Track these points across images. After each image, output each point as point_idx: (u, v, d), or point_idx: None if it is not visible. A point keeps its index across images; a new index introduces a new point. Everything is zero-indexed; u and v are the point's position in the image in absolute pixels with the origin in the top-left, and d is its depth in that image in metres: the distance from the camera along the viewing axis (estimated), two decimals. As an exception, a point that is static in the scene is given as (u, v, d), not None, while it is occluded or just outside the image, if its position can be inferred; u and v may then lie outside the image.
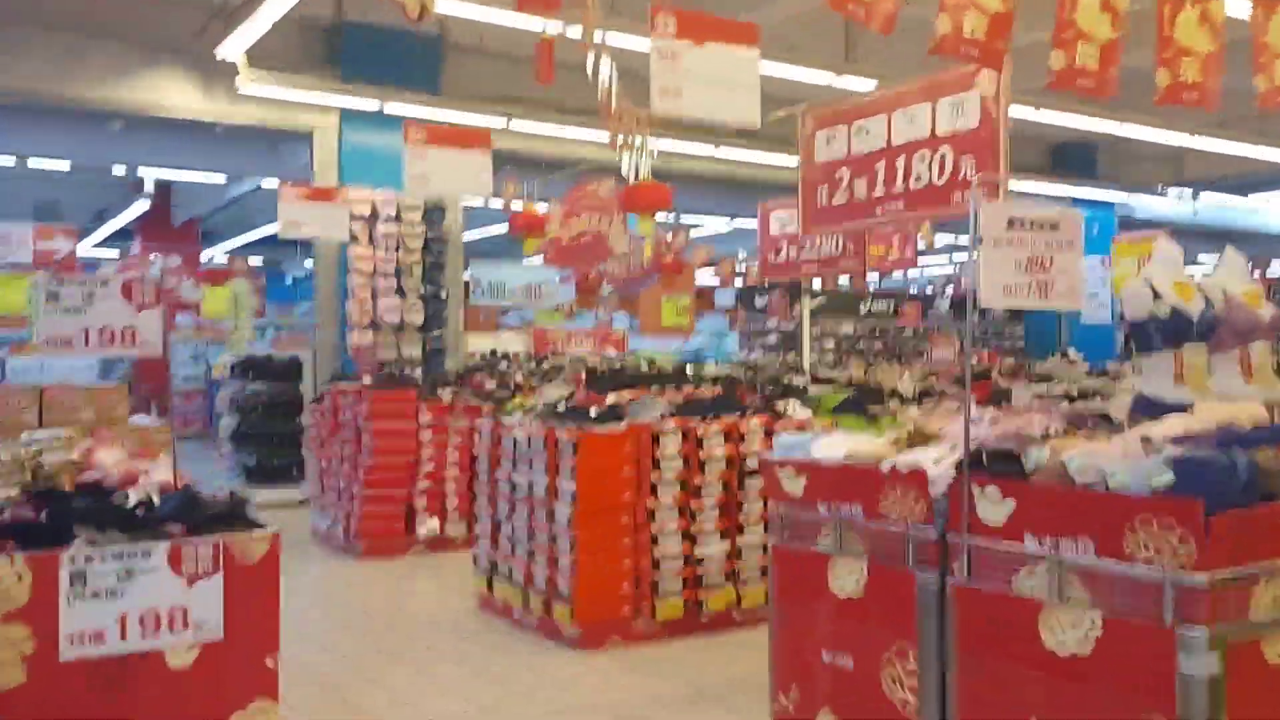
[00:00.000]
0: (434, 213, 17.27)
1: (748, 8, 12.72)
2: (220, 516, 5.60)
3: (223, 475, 17.92)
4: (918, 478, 5.62)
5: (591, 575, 8.87)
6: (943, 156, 8.15)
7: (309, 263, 18.34)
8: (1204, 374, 7.33)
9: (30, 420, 9.34)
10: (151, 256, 28.53)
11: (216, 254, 35.19)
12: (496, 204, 17.64)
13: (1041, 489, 5.11)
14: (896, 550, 5.73)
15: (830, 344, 27.09)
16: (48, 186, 26.97)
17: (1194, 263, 28.11)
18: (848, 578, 5.98)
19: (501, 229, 24.09)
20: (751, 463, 9.37)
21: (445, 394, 13.47)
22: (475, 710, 7.71)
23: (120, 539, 5.16)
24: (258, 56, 15.08)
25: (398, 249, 16.84)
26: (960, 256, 36.34)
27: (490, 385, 14.58)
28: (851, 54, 16.29)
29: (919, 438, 6.20)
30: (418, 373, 15.12)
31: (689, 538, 9.22)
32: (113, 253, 33.54)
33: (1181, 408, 6.03)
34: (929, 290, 34.64)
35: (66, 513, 5.36)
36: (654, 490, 9.09)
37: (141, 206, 27.08)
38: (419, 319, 17.05)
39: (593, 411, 9.34)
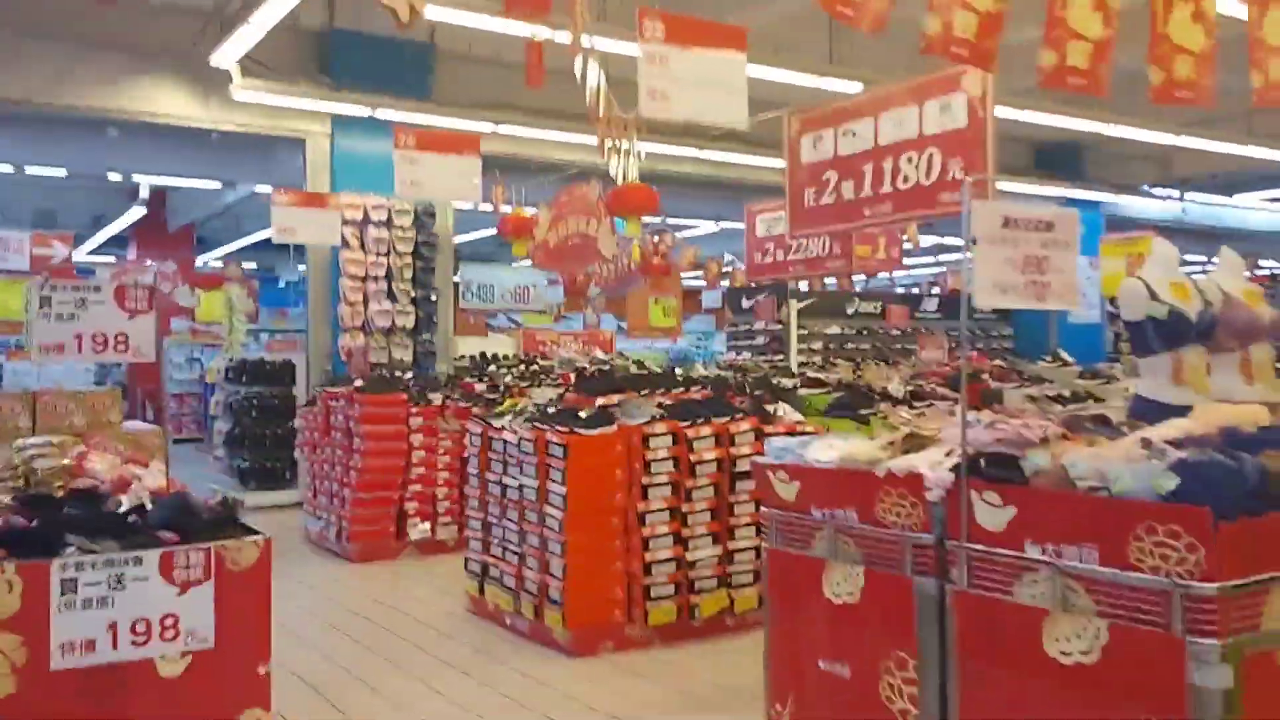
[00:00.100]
0: (424, 217, 17.25)
1: (731, 9, 12.70)
2: (212, 522, 5.55)
3: (217, 478, 17.91)
4: (914, 482, 5.53)
5: (582, 580, 8.83)
6: (930, 157, 8.11)
7: (302, 267, 18.29)
8: (1204, 375, 7.31)
9: (23, 426, 9.28)
10: (146, 262, 28.50)
11: (211, 259, 35.14)
12: (486, 208, 17.58)
13: (1042, 494, 5.02)
14: (893, 556, 5.65)
15: (817, 345, 27.02)
16: (45, 193, 27.01)
17: (1182, 262, 27.97)
18: (844, 584, 5.90)
19: (491, 232, 24.05)
20: (742, 465, 9.28)
21: (436, 397, 13.41)
22: (467, 717, 7.65)
23: (111, 547, 5.11)
24: (251, 64, 15.08)
25: (388, 253, 16.83)
26: (947, 257, 36.33)
27: (480, 388, 14.54)
28: (836, 55, 16.23)
29: (914, 441, 6.13)
30: (409, 376, 15.04)
31: (680, 541, 9.15)
32: (109, 259, 33.47)
33: (1181, 410, 5.97)
34: (915, 291, 34.60)
35: (58, 520, 5.31)
36: (644, 493, 9.02)
37: (137, 213, 27.01)
38: (409, 322, 17.04)
39: (583, 414, 9.28)
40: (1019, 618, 4.97)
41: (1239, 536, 4.35)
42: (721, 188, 23.01)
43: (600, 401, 9.61)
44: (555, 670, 8.57)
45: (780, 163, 9.62)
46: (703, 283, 30.81)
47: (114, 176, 23.07)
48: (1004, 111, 14.63)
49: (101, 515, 5.49)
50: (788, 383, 13.58)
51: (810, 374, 16.03)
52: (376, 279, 16.77)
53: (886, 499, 5.66)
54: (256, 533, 5.59)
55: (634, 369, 16.68)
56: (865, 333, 28.36)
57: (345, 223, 16.39)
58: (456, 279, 19.79)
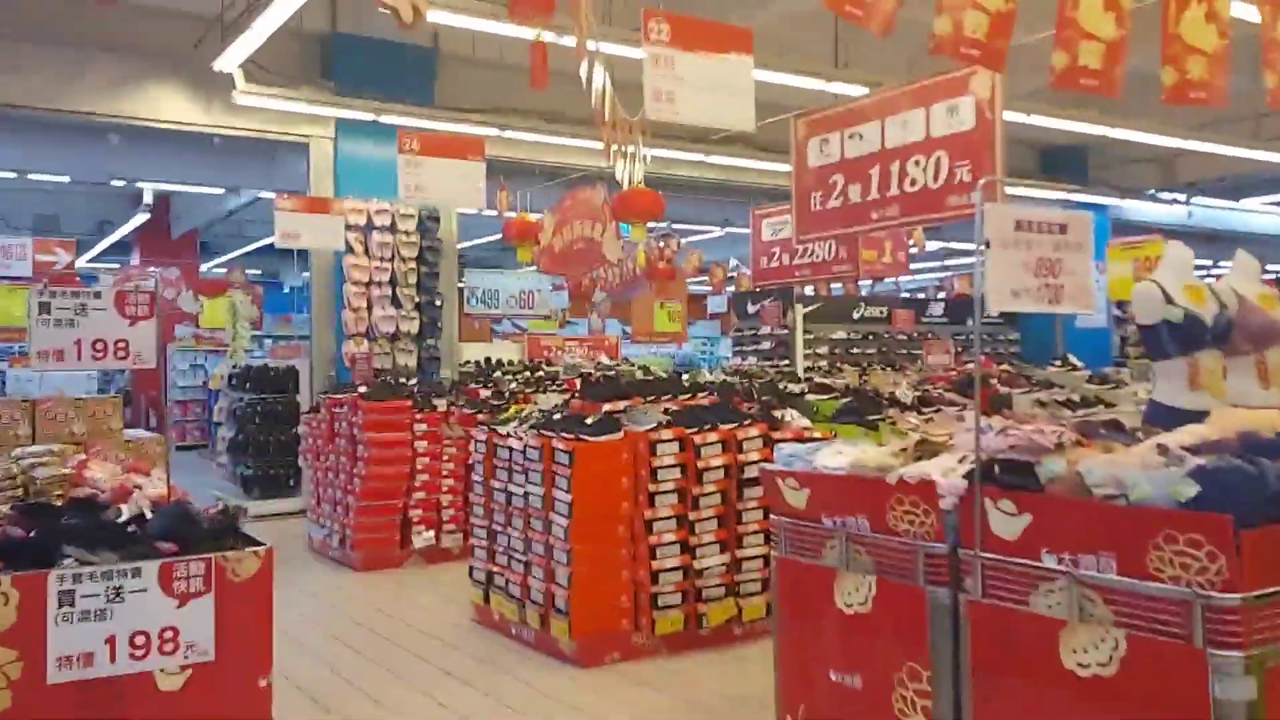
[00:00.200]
0: (428, 222, 17.18)
1: (736, 11, 12.63)
2: (213, 532, 5.46)
3: (220, 486, 17.85)
4: (927, 489, 5.45)
5: (589, 589, 8.73)
6: (938, 160, 8.03)
7: (306, 273, 18.24)
8: (1220, 380, 7.22)
9: (22, 434, 9.19)
10: (149, 269, 28.45)
11: (215, 265, 35.11)
12: (490, 213, 17.52)
13: (1058, 502, 4.93)
14: (906, 565, 5.57)
15: (823, 350, 26.93)
16: (48, 200, 26.94)
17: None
18: (855, 593, 5.81)
19: (495, 238, 24.00)
20: (750, 472, 9.19)
21: (440, 403, 13.32)
22: (473, 728, 7.59)
23: (110, 558, 5.03)
24: (254, 68, 15.02)
25: (392, 258, 16.77)
26: (952, 261, 36.28)
27: (485, 394, 14.45)
28: (841, 58, 16.16)
29: (926, 448, 6.05)
30: (413, 382, 14.95)
31: (688, 549, 9.04)
32: (113, 266, 33.41)
33: (1197, 415, 5.89)
34: (921, 296, 34.54)
35: (55, 531, 5.22)
36: (651, 501, 8.93)
37: (140, 219, 26.93)
38: (414, 328, 16.98)
39: (589, 420, 9.17)
40: (1035, 628, 4.88)
41: (1262, 545, 4.26)
42: (726, 192, 22.98)
43: (606, 408, 9.50)
44: (561, 680, 8.49)
45: (786, 167, 9.55)
46: (707, 288, 30.77)
47: (116, 182, 22.97)
48: (1009, 115, 14.60)
49: (100, 525, 5.39)
50: (794, 388, 13.49)
51: (817, 379, 15.94)
52: (380, 284, 16.72)
53: (898, 507, 5.58)
54: (258, 542, 5.50)
55: (640, 374, 16.61)
56: (871, 338, 28.25)
57: (349, 228, 16.34)
58: (461, 284, 19.71)
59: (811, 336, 25.67)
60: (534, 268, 17.84)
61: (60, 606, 4.86)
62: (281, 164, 18.72)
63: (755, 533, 9.25)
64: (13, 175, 21.46)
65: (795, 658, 6.30)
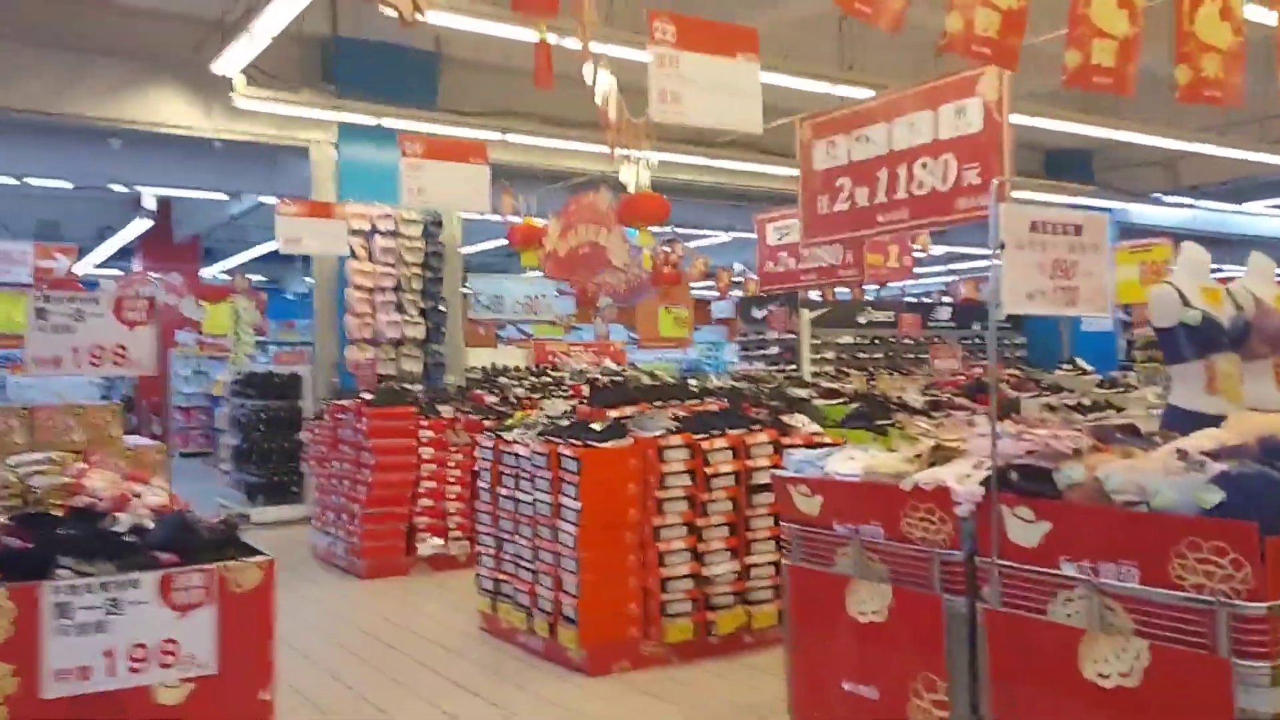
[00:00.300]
0: (432, 227, 17.09)
1: (739, 15, 12.54)
2: (214, 542, 5.35)
3: (224, 493, 17.78)
4: (942, 496, 5.41)
5: (597, 597, 8.61)
6: (945, 163, 7.93)
7: (310, 279, 18.18)
8: (1237, 383, 7.12)
9: (19, 442, 9.07)
10: (152, 274, 28.40)
11: (217, 271, 35.06)
12: (495, 218, 17.44)
13: (1078, 509, 4.87)
14: (921, 573, 5.53)
15: (829, 355, 26.88)
16: (49, 205, 26.96)
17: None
18: (869, 602, 5.77)
19: (500, 243, 23.94)
20: (759, 478, 9.11)
21: (446, 410, 13.24)
22: (480, 739, 7.50)
23: (108, 569, 4.93)
24: (255, 72, 14.91)
25: (396, 264, 16.67)
26: (957, 265, 36.28)
27: (491, 400, 14.37)
28: (846, 61, 16.07)
29: (941, 453, 5.97)
30: (418, 388, 14.86)
31: (697, 557, 8.94)
32: (115, 272, 33.35)
33: (1214, 419, 5.82)
34: (927, 300, 34.52)
35: (52, 541, 5.11)
36: (660, 508, 8.82)
37: (142, 225, 26.85)
38: (418, 334, 16.89)
39: (596, 427, 9.10)
40: (1054, 638, 4.83)
41: (1289, 553, 4.18)
42: (731, 196, 22.92)
43: (614, 414, 9.43)
44: (569, 690, 8.38)
45: (791, 171, 9.46)
46: (712, 293, 30.72)
47: (117, 188, 22.91)
48: (1014, 117, 14.55)
49: (97, 535, 5.28)
50: (802, 393, 13.41)
51: (825, 384, 15.87)
52: (384, 290, 16.63)
53: (913, 513, 5.55)
54: (260, 552, 5.39)
55: (646, 380, 16.53)
56: (878, 342, 28.22)
57: (352, 233, 16.26)
58: (466, 290, 19.63)
59: (818, 341, 25.66)
60: (539, 273, 17.73)
61: (57, 618, 4.75)
62: (283, 169, 18.68)
63: (765, 539, 9.16)
64: (12, 181, 21.41)
65: (808, 667, 6.26)
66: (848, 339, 27.78)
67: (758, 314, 27.53)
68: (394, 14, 8.19)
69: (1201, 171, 24.75)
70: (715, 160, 19.49)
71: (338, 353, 16.90)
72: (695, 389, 11.96)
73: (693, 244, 27.24)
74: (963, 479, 5.39)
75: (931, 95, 8.03)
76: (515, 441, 9.56)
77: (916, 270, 22.97)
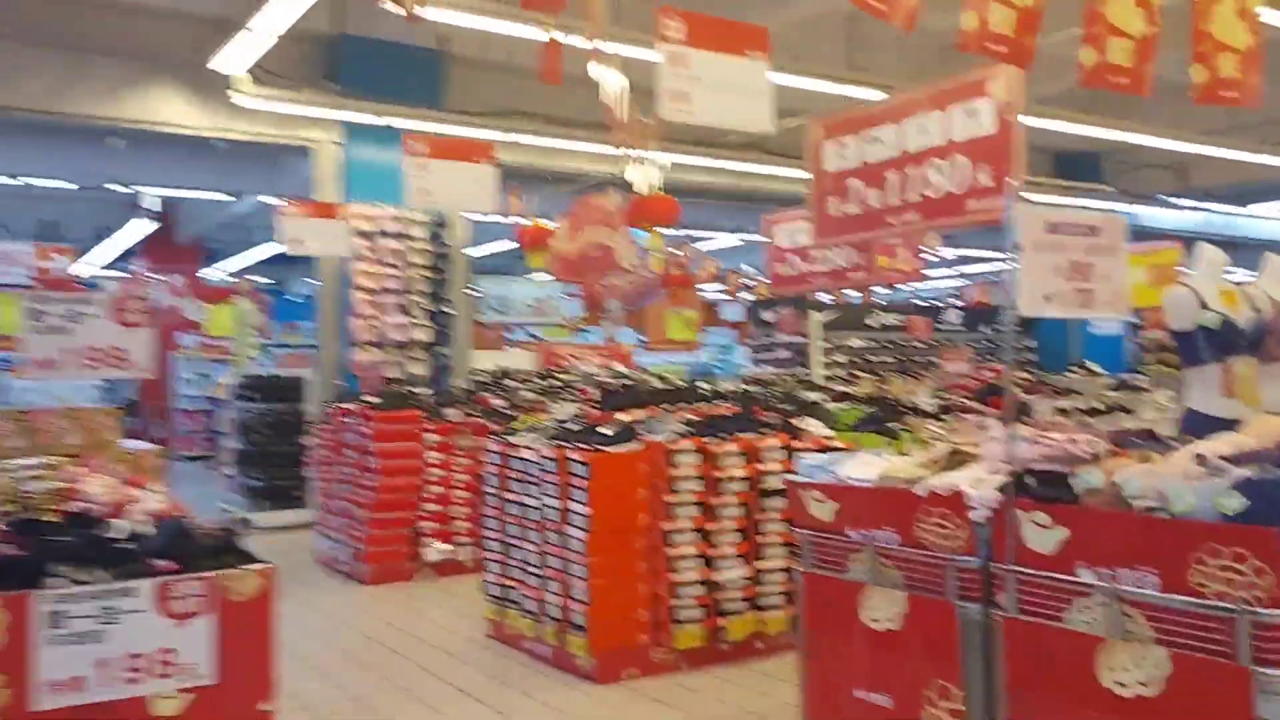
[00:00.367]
0: (438, 228, 17.00)
1: (747, 15, 12.46)
2: (212, 549, 5.25)
3: (227, 497, 17.69)
4: (958, 502, 5.36)
5: (606, 603, 8.52)
6: (956, 164, 7.83)
7: (314, 280, 18.08)
8: (1255, 387, 7.03)
9: (13, 446, 8.95)
10: (154, 276, 28.31)
11: (220, 272, 34.96)
12: (502, 219, 17.33)
13: (1096, 515, 4.83)
14: (936, 580, 5.51)
15: (840, 358, 26.82)
16: (50, 206, 26.85)
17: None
18: (883, 609, 5.72)
19: (507, 245, 23.86)
20: (771, 483, 9.03)
21: (452, 413, 13.13)
22: (487, 748, 7.42)
23: (103, 577, 4.83)
24: (257, 71, 14.83)
25: (402, 265, 16.57)
26: (967, 268, 36.28)
27: (498, 403, 14.28)
28: (852, 63, 16.00)
29: (956, 458, 5.89)
30: (424, 391, 14.76)
31: (707, 562, 8.85)
32: (116, 273, 33.25)
33: (1232, 423, 5.75)
34: (937, 304, 34.50)
35: (44, 548, 5.01)
36: (670, 513, 8.73)
37: (144, 225, 26.75)
38: (424, 336, 16.82)
39: (605, 431, 9.00)
40: (1071, 646, 4.80)
41: (1311, 559, 4.15)
42: (741, 199, 22.83)
43: (623, 417, 9.33)
44: (578, 697, 8.29)
45: (799, 173, 9.37)
46: (722, 295, 30.65)
47: (118, 188, 22.74)
48: (1024, 119, 14.45)
49: (92, 542, 5.19)
50: (814, 397, 13.31)
51: (837, 387, 15.78)
52: (390, 292, 16.54)
53: (928, 519, 5.52)
54: (260, 560, 5.29)
55: (656, 383, 16.45)
56: (889, 345, 28.15)
57: (356, 234, 16.14)
58: (473, 292, 19.53)
59: (828, 345, 25.60)
60: (547, 275, 17.63)
61: (49, 628, 4.68)
62: (286, 169, 18.57)
63: (776, 545, 9.08)
64: (12, 181, 21.30)
65: (821, 675, 6.23)
66: (858, 342, 27.72)
67: (767, 317, 27.48)
68: (396, 9, 8.10)
69: (1210, 174, 24.74)
70: (723, 162, 19.40)
71: (342, 355, 16.80)
72: (705, 392, 11.86)
73: (701, 246, 27.18)
74: (978, 484, 5.34)
75: (942, 96, 7.92)
76: (523, 445, 9.47)
77: (926, 273, 22.89)
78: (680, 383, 16.39)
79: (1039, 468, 5.20)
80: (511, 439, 9.79)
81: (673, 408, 9.76)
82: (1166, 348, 21.48)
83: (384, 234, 16.47)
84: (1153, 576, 4.50)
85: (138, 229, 27.11)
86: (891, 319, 28.61)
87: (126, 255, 30.73)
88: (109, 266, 32.54)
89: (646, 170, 11.19)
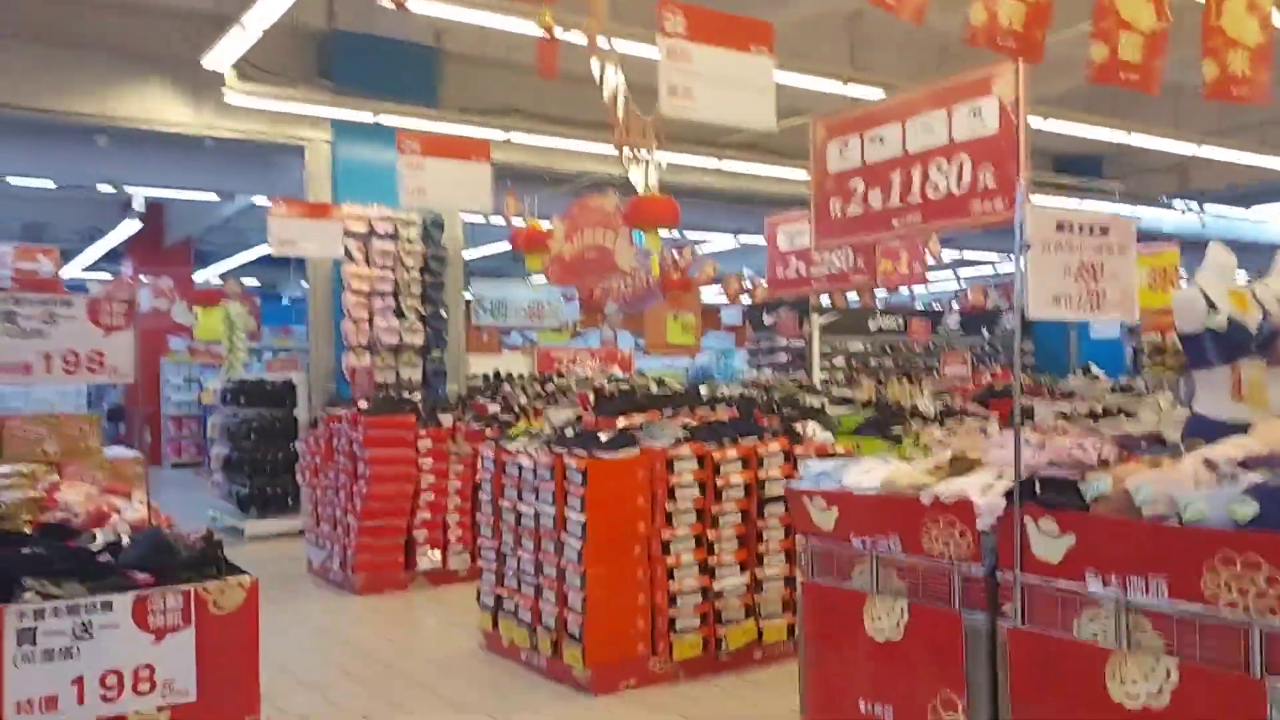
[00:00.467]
0: (432, 229, 16.83)
1: (748, 14, 12.37)
2: (192, 561, 5.10)
3: (215, 504, 17.58)
4: (963, 509, 5.28)
5: (603, 613, 8.38)
6: (960, 165, 7.71)
7: (306, 283, 17.94)
8: (1264, 390, 6.90)
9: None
10: (141, 278, 28.18)
11: (211, 275, 34.82)
12: (498, 221, 17.21)
13: (1105, 522, 4.74)
14: (940, 588, 5.43)
15: (839, 361, 26.84)
16: (35, 207, 26.64)
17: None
18: (886, 618, 5.65)
19: (503, 247, 23.74)
20: (771, 489, 8.93)
21: (446, 419, 13.01)
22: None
23: (77, 590, 4.68)
24: (247, 67, 14.64)
25: (395, 267, 16.41)
26: (967, 271, 36.32)
27: (493, 409, 14.16)
28: (855, 61, 15.88)
29: (961, 464, 5.77)
30: (417, 396, 14.64)
31: (707, 570, 8.74)
32: (103, 275, 33.13)
33: (1241, 427, 5.63)
34: (936, 307, 34.56)
35: (16, 560, 4.85)
36: (669, 520, 8.61)
37: (131, 226, 26.56)
38: (418, 340, 16.64)
39: (603, 436, 8.85)
40: (1079, 656, 4.73)
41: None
42: (740, 200, 22.76)
43: (621, 423, 9.21)
44: (574, 710, 8.17)
45: (800, 174, 9.26)
46: (720, 299, 30.62)
47: (105, 188, 22.53)
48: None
49: (66, 554, 5.04)
50: (814, 401, 13.21)
51: (836, 391, 15.71)
52: (382, 294, 16.33)
53: (933, 527, 5.45)
54: (242, 571, 5.15)
55: (654, 387, 16.35)
56: (888, 349, 28.18)
57: (348, 235, 15.92)
58: (468, 295, 19.40)
59: (828, 348, 25.61)
60: (543, 278, 17.51)
61: (20, 645, 4.54)
62: (277, 168, 18.41)
63: (776, 552, 8.99)
64: (-1, 180, 21.14)
65: (822, 685, 6.17)
66: (858, 345, 27.79)
67: (767, 320, 27.47)
68: (387, 2, 7.98)
69: (1210, 176, 24.77)
70: (724, 162, 19.29)
71: (334, 360, 16.66)
72: (706, 397, 11.74)
73: (700, 249, 27.13)
74: (985, 491, 5.24)
75: (945, 95, 7.82)
76: (518, 451, 9.33)
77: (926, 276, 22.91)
78: (679, 387, 16.30)
79: (1047, 474, 5.08)
80: (507, 445, 9.65)
81: (672, 413, 9.64)
82: (1165, 350, 21.43)
83: (377, 235, 16.27)
84: (1163, 585, 4.42)
85: (128, 231, 26.94)
86: (891, 322, 28.67)
87: (116, 258, 30.58)
88: (91, 269, 32.41)
89: (646, 170, 11.06)
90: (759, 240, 14.86)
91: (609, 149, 10.91)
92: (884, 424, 10.91)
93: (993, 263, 34.11)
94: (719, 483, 8.74)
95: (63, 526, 5.59)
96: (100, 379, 5.61)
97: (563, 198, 17.56)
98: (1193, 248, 18.16)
